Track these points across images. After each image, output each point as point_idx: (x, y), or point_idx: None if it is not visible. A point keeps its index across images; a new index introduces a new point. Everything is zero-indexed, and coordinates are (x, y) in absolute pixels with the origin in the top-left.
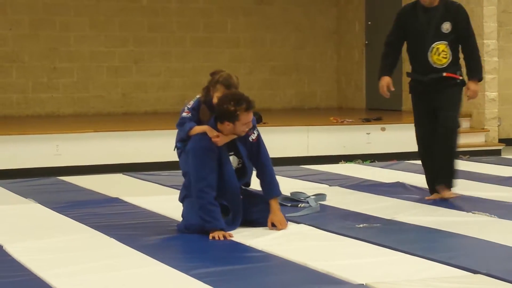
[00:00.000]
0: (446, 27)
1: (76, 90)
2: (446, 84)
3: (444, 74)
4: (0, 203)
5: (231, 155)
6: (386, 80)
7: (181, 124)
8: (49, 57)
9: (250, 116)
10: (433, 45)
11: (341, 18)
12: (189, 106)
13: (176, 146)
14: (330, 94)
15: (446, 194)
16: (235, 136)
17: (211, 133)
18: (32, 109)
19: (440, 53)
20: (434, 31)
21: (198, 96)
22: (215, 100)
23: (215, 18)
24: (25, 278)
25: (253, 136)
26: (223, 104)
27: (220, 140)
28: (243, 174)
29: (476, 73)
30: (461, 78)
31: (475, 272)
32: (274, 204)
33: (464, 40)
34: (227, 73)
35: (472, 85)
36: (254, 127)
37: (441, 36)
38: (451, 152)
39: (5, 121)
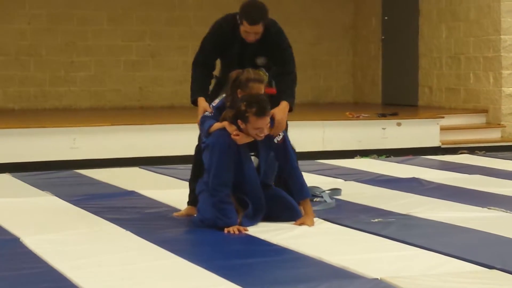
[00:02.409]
0: (261, 61)
1: (93, 84)
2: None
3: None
4: (17, 195)
5: (252, 155)
6: (205, 104)
7: (202, 123)
8: (66, 51)
9: (261, 122)
10: None
11: (358, 13)
12: (214, 105)
13: (202, 141)
14: (346, 89)
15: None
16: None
17: (230, 127)
18: (50, 103)
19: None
20: (248, 63)
21: (223, 95)
22: None
23: (232, 12)
24: (42, 270)
25: (279, 138)
26: (238, 102)
27: (240, 138)
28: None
29: (286, 95)
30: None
31: (490, 267)
32: (308, 208)
33: (279, 74)
34: (246, 71)
35: (278, 113)
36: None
37: (256, 67)
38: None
39: (22, 114)
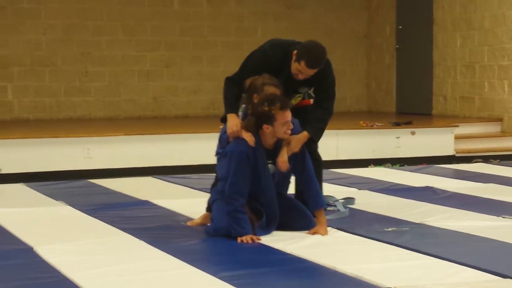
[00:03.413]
0: (304, 90)
1: (107, 94)
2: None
3: (294, 104)
4: (32, 205)
5: (269, 163)
6: (238, 120)
7: (221, 135)
8: (81, 61)
9: (287, 115)
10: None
11: (372, 22)
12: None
13: (216, 152)
14: (360, 98)
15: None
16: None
17: (245, 134)
18: (64, 113)
19: (296, 99)
20: (291, 92)
21: (243, 105)
22: None
23: (246, 22)
24: (55, 279)
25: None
26: (258, 107)
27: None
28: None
29: (311, 128)
30: (313, 99)
31: (504, 276)
32: (322, 218)
33: (316, 107)
34: (261, 76)
35: (294, 140)
36: None
37: (298, 93)
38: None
39: (37, 124)
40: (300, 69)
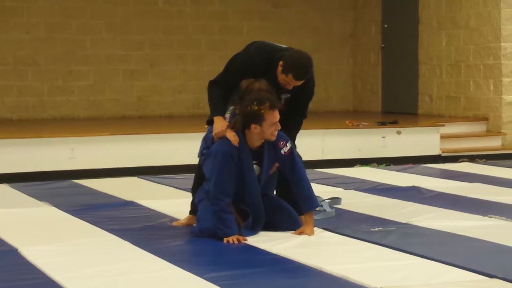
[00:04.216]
0: (285, 97)
1: (91, 93)
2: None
3: None
4: (15, 206)
5: (254, 163)
6: (225, 122)
7: (207, 134)
8: (65, 60)
9: (276, 115)
10: None
11: (357, 21)
12: (227, 120)
13: (201, 153)
14: (346, 97)
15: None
16: None
17: (229, 133)
18: (48, 112)
19: None
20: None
21: (231, 107)
22: None
23: (231, 21)
24: (40, 281)
25: (286, 149)
26: (246, 106)
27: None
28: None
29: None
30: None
31: (491, 276)
32: (310, 218)
33: (294, 112)
34: (258, 81)
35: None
36: (287, 140)
37: (280, 99)
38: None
39: (21, 124)
40: (288, 80)
